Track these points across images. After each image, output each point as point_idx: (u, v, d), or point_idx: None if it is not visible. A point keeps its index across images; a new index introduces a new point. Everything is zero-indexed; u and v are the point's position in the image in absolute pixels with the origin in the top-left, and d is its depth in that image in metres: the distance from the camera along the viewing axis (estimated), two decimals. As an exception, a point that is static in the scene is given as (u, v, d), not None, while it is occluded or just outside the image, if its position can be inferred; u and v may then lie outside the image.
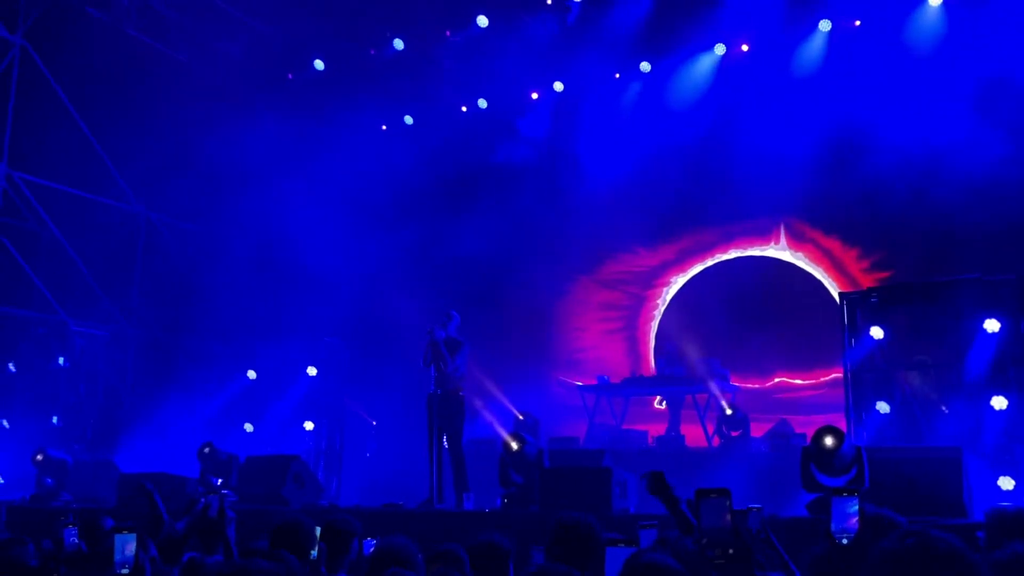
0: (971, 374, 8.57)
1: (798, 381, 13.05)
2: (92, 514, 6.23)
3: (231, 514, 4.46)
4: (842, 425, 6.72)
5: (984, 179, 10.62)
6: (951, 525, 5.57)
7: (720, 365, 11.99)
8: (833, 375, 12.69)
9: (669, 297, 14.51)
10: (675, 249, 14.35)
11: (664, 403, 13.10)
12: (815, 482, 6.57)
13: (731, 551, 2.51)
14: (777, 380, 13.15)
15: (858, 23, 12.66)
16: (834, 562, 2.88)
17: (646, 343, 14.60)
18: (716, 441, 11.74)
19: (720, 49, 13.42)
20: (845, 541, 2.76)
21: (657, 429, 12.68)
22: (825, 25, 12.73)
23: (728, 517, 2.57)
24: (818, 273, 13.32)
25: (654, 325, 14.57)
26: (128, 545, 3.39)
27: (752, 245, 13.79)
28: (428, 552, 3.96)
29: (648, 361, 14.40)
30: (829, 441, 6.43)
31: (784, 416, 12.03)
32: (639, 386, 12.85)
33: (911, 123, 11.37)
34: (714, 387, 11.65)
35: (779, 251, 13.60)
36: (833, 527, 2.78)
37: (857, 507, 2.78)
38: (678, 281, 14.44)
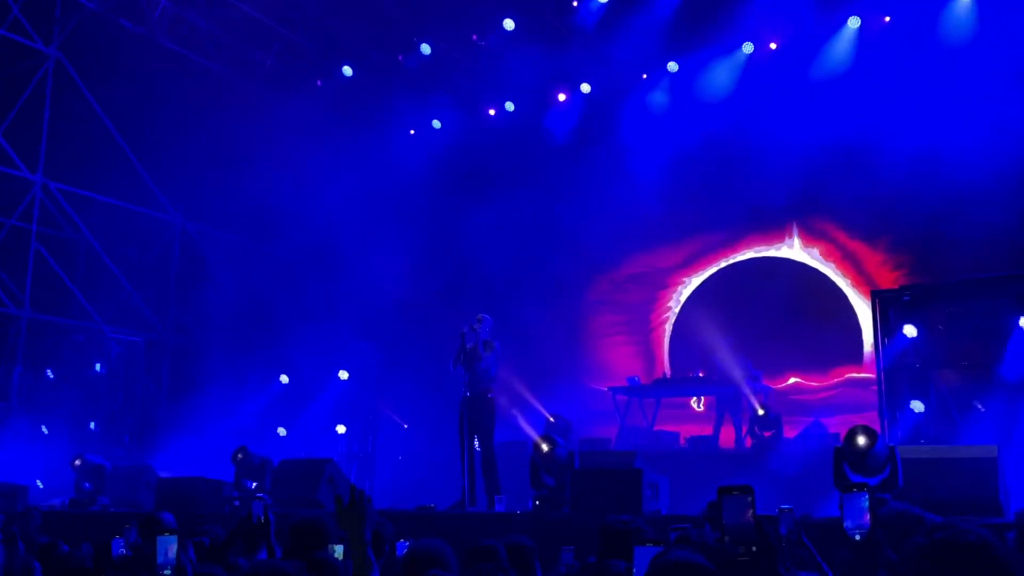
0: (1008, 372, 8.47)
1: (814, 383, 12.96)
2: (149, 515, 6.17)
3: (272, 518, 4.54)
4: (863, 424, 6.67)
5: (1008, 176, 10.49)
6: (987, 525, 5.52)
7: (753, 366, 11.94)
8: (848, 375, 12.60)
9: (683, 298, 14.46)
10: (689, 249, 14.35)
11: (702, 405, 13.08)
12: (848, 482, 6.52)
13: (754, 548, 2.50)
14: (792, 381, 13.07)
15: (888, 19, 12.56)
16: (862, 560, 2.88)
17: (660, 344, 14.56)
18: (748, 442, 11.69)
19: (748, 48, 13.36)
20: (858, 537, 2.77)
21: (689, 430, 12.64)
22: (854, 22, 12.64)
23: (750, 513, 2.56)
24: (831, 271, 13.23)
25: (668, 328, 14.53)
26: (170, 547, 3.45)
27: (766, 243, 13.72)
28: (464, 549, 3.98)
29: (663, 362, 14.36)
30: (862, 440, 6.39)
31: (797, 417, 11.98)
32: (670, 388, 12.81)
33: (935, 120, 11.27)
34: (747, 388, 11.61)
35: (792, 250, 13.53)
36: (847, 524, 2.79)
37: (869, 503, 2.78)
38: (692, 282, 14.40)
